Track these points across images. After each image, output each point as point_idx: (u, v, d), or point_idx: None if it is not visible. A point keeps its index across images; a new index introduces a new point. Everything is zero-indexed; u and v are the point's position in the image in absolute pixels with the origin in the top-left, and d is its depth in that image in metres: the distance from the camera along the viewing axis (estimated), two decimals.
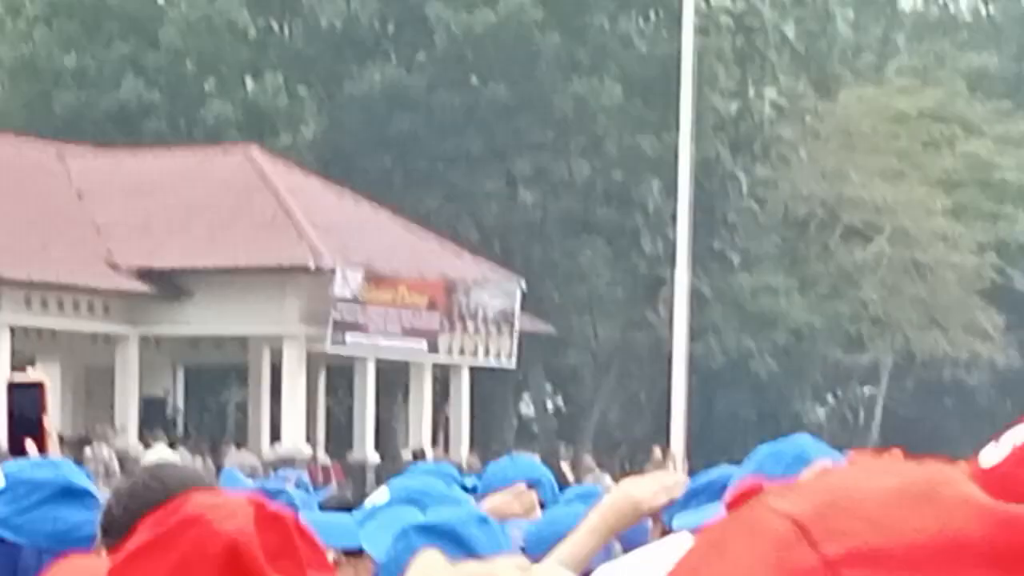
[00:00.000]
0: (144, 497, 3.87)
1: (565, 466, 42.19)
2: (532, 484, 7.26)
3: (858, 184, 67.42)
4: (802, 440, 4.85)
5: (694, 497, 5.77)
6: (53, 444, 6.08)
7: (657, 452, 43.70)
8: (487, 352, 54.45)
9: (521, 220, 63.77)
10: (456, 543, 4.01)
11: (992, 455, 1.52)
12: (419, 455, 46.31)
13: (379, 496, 5.18)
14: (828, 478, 1.17)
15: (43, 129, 54.53)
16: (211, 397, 57.78)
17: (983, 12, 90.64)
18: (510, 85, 60.09)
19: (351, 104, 62.34)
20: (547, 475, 8.03)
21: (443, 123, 61.81)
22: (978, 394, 67.35)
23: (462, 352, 53.64)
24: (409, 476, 7.22)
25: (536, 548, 5.20)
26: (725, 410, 61.61)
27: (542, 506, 6.70)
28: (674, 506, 5.13)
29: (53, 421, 6.70)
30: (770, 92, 64.23)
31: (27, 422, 6.27)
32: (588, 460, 47.56)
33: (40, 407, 6.38)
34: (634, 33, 62.61)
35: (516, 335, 54.92)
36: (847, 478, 1.14)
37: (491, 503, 6.11)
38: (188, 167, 51.27)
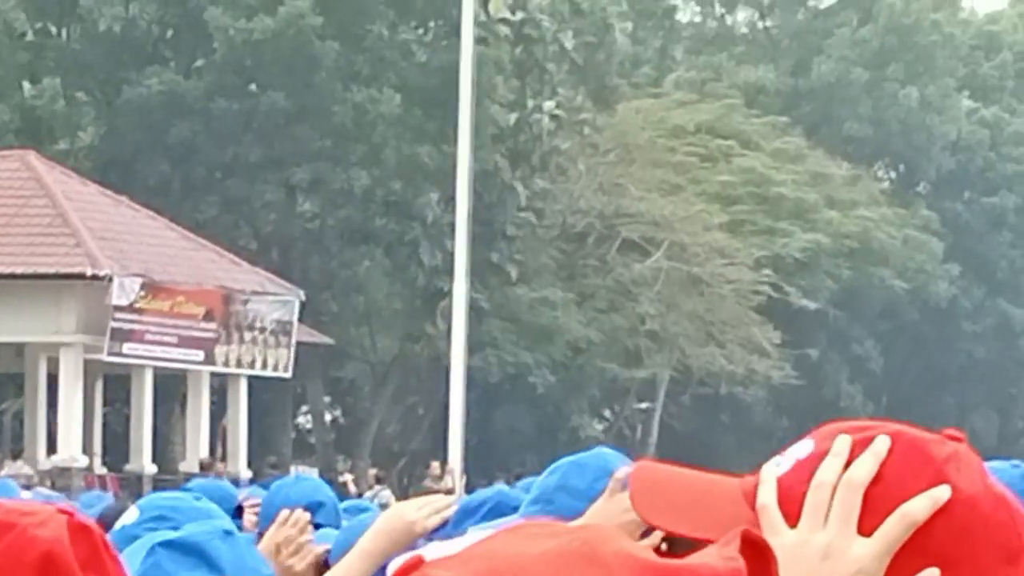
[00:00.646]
0: None
1: (347, 479, 42.32)
2: (313, 507, 7.34)
3: (636, 197, 68.30)
4: (604, 453, 4.90)
5: (466, 517, 5.97)
6: None
7: (435, 466, 44.03)
8: (264, 363, 54.48)
9: (299, 230, 64.23)
10: (201, 558, 3.98)
11: (775, 469, 1.54)
12: (206, 466, 46.45)
13: (129, 515, 4.90)
14: (488, 544, 1.20)
15: None
16: None
17: (760, 26, 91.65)
18: (289, 93, 60.24)
19: (129, 110, 61.99)
20: (331, 497, 8.13)
21: (221, 131, 61.88)
22: (754, 410, 68.58)
23: (239, 363, 53.47)
24: (161, 494, 6.69)
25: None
26: (503, 424, 61.87)
27: (317, 527, 6.74)
28: (446, 526, 5.21)
29: None
30: (548, 104, 64.62)
31: None
32: (371, 474, 47.80)
33: None
34: (413, 43, 63.17)
35: (294, 346, 55.20)
36: (507, 544, 1.18)
37: (265, 544, 6.14)
38: None
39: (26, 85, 61.77)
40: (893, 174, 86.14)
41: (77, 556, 1.66)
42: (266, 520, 7.58)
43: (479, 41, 53.03)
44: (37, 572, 1.62)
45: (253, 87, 61.66)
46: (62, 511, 1.73)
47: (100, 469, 48.85)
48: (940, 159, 78.70)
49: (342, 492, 29.44)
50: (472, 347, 50.42)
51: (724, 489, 1.57)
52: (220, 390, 53.72)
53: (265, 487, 11.55)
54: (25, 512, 1.72)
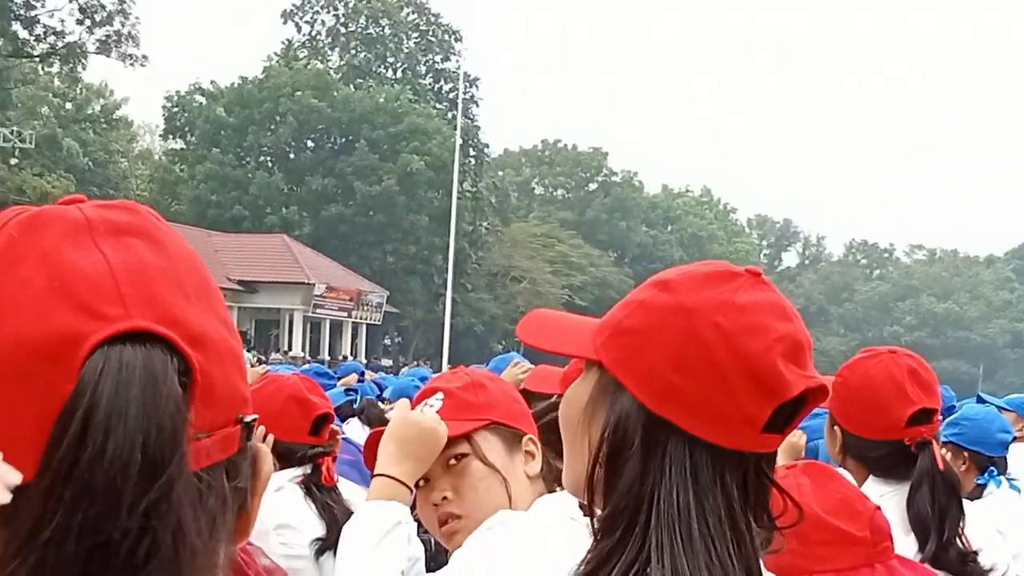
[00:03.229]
0: None
1: None
2: None
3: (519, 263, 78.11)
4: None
5: None
6: None
7: None
8: (371, 319, 63.13)
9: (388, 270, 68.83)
10: None
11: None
12: None
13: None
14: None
15: None
16: None
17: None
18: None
19: (330, 217, 69.03)
20: None
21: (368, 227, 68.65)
22: None
23: (365, 319, 62.92)
24: None
25: None
26: None
27: None
28: None
29: None
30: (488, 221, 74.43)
31: None
32: None
33: None
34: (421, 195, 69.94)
35: (383, 311, 63.64)
36: None
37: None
38: None
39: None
40: None
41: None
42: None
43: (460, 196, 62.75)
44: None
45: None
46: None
47: None
48: None
49: None
50: None
51: (586, 323, 1.93)
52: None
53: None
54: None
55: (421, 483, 2.90)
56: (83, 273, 1.07)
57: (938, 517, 3.44)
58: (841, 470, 3.37)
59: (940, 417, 3.70)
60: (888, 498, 3.39)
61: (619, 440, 1.76)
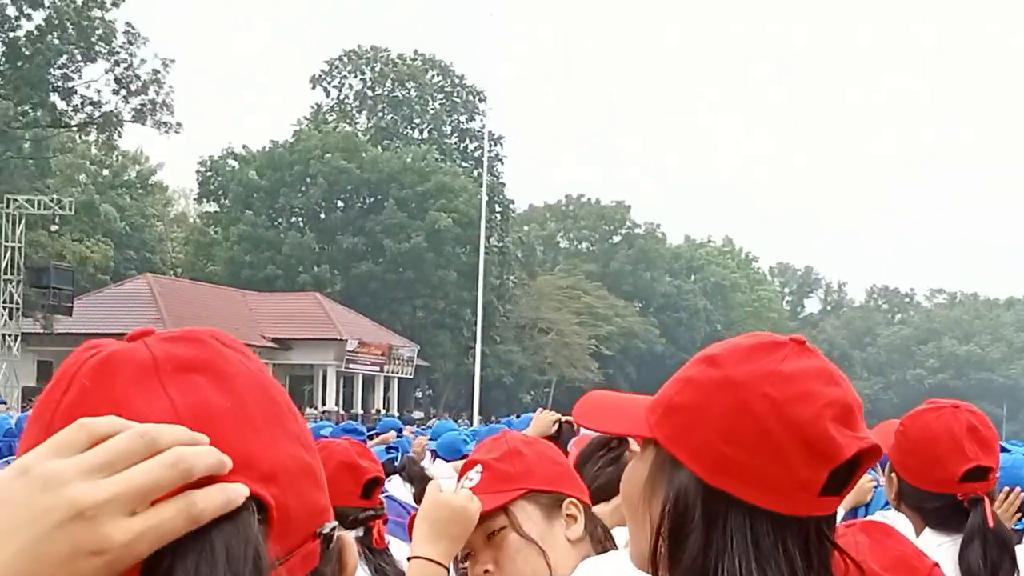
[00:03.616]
0: None
1: None
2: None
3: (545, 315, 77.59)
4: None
5: None
6: None
7: None
8: (402, 372, 63.34)
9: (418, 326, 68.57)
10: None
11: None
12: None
13: None
14: None
15: None
16: None
17: None
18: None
19: (359, 274, 69.27)
20: None
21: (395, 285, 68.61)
22: None
23: (396, 372, 63.04)
24: None
25: None
26: None
27: None
28: None
29: None
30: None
31: None
32: None
33: None
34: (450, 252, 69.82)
35: (414, 365, 63.62)
36: None
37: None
38: None
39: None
40: None
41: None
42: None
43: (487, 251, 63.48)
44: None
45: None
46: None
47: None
48: None
49: None
50: None
51: (639, 402, 1.92)
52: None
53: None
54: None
55: (468, 556, 2.94)
56: (150, 422, 1.08)
57: (990, 572, 3.40)
58: (898, 515, 3.56)
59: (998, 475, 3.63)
60: (945, 548, 3.40)
61: (680, 514, 1.77)
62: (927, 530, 3.52)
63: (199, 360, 1.14)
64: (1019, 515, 5.25)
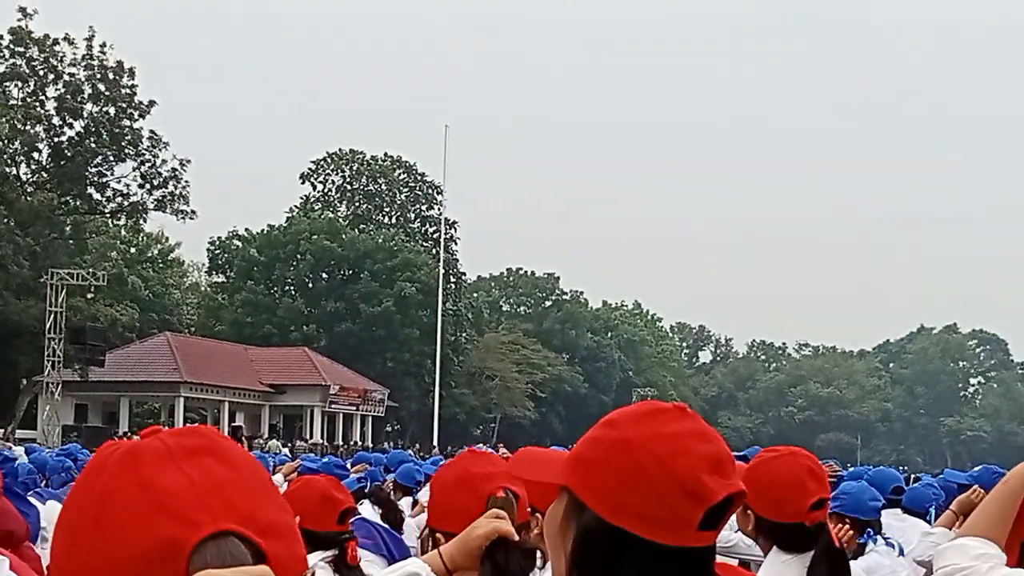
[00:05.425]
0: None
1: None
2: None
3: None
4: None
5: None
6: None
7: None
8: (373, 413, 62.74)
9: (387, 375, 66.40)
10: None
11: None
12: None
13: None
14: None
15: None
16: None
17: None
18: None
19: (342, 331, 68.58)
20: None
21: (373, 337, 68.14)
22: None
23: (367, 411, 62.46)
24: None
25: None
26: None
27: None
28: None
29: None
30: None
31: None
32: None
33: None
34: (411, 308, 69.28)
35: (384, 407, 63.04)
36: None
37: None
38: None
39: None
40: None
41: None
42: None
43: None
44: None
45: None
46: None
47: None
48: None
49: None
50: None
51: (559, 456, 1.97)
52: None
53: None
54: None
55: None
56: (175, 492, 1.15)
57: None
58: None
59: (830, 498, 3.73)
60: (788, 564, 3.48)
61: (587, 547, 1.80)
62: (775, 548, 3.56)
63: (203, 446, 1.21)
64: (853, 535, 5.80)
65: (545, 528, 1.95)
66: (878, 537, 6.46)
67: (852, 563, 3.88)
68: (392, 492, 9.57)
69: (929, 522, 8.03)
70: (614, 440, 1.84)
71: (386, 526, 6.31)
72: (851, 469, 11.85)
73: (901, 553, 6.86)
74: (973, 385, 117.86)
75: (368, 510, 8.13)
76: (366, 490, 9.36)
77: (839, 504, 5.72)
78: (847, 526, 5.61)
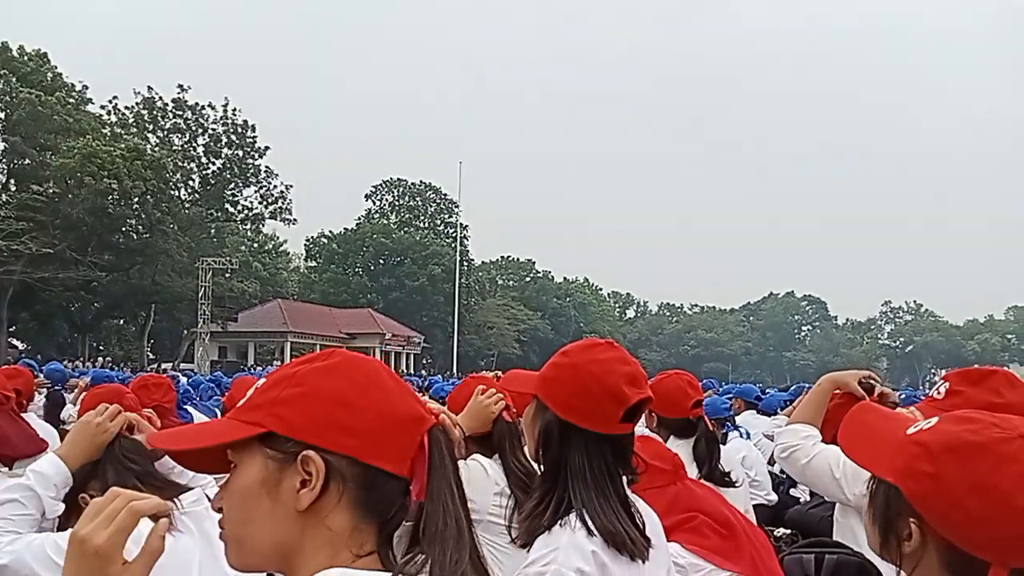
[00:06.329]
0: None
1: None
2: None
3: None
4: None
5: None
6: None
7: None
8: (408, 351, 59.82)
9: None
10: None
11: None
12: None
13: None
14: None
15: None
16: None
17: None
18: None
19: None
20: None
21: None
22: None
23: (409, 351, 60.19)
24: None
25: None
26: None
27: None
28: None
29: None
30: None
31: None
32: None
33: None
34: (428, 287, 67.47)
35: (420, 345, 61.41)
36: None
37: None
38: None
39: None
40: None
41: None
42: None
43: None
44: None
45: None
46: None
47: None
48: None
49: None
50: None
51: (533, 376, 1.86)
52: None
53: None
54: None
55: None
56: (407, 387, 1.14)
57: (709, 456, 3.44)
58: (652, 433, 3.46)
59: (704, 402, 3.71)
60: (680, 447, 3.40)
61: (548, 434, 1.84)
62: (672, 438, 3.49)
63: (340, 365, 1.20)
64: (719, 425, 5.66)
65: (523, 421, 1.96)
66: (734, 432, 6.76)
67: (725, 448, 3.90)
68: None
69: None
70: (566, 364, 1.86)
71: None
72: (724, 386, 11.72)
73: (748, 437, 7.05)
74: (804, 331, 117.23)
75: None
76: None
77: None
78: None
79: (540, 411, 1.87)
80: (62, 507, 2.10)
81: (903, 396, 7.52)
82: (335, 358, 1.14)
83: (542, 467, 1.87)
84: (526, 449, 2.42)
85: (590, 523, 1.74)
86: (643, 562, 1.77)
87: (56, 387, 8.55)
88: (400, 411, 1.08)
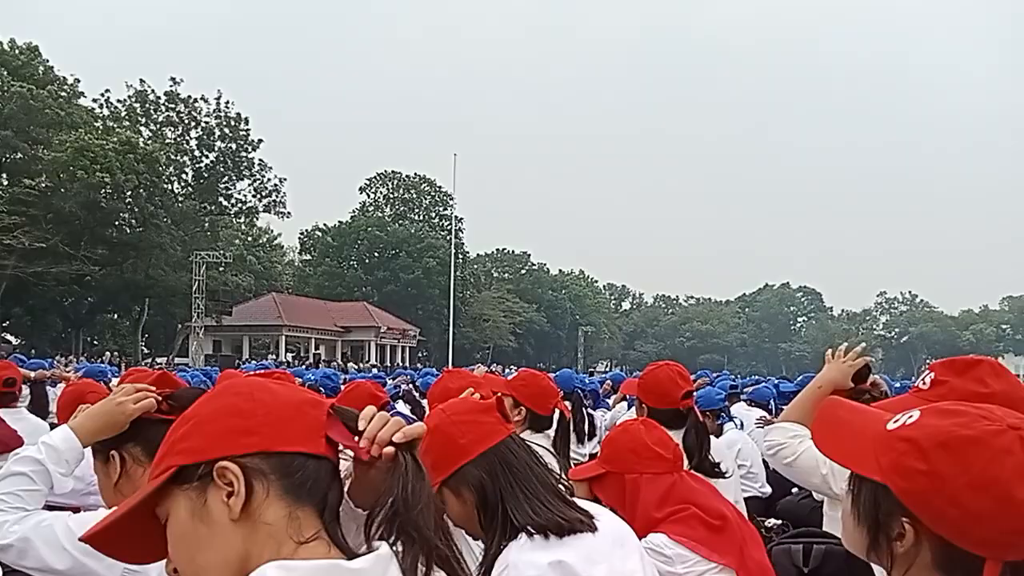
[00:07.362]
0: None
1: None
2: None
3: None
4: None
5: None
6: None
7: None
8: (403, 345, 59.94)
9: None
10: None
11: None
12: None
13: None
14: None
15: None
16: None
17: None
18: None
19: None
20: None
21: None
22: None
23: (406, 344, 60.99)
24: None
25: None
26: None
27: None
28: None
29: None
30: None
31: None
32: None
33: None
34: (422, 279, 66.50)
35: (416, 339, 60.79)
36: None
37: None
38: None
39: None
40: None
41: None
42: None
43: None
44: None
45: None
46: None
47: None
48: None
49: None
50: None
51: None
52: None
53: None
54: None
55: None
56: (297, 387, 1.18)
57: (699, 446, 3.42)
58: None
59: (695, 393, 3.75)
60: (671, 437, 3.48)
61: (481, 486, 1.91)
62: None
63: (279, 378, 1.28)
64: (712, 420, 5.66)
65: (450, 515, 1.88)
66: (730, 423, 6.76)
67: (717, 440, 3.89)
68: (420, 395, 9.22)
69: (769, 411, 8.13)
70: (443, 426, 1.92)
71: (414, 418, 6.01)
72: (718, 377, 11.77)
73: (742, 427, 7.04)
74: (799, 322, 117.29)
75: (402, 407, 7.89)
76: (400, 394, 9.00)
77: (696, 401, 5.91)
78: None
79: (456, 484, 1.84)
80: (71, 483, 2.06)
81: (898, 387, 7.49)
82: (217, 388, 1.15)
83: (483, 520, 1.83)
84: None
85: (531, 527, 1.76)
86: (592, 533, 1.80)
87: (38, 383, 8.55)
88: (291, 400, 1.08)
